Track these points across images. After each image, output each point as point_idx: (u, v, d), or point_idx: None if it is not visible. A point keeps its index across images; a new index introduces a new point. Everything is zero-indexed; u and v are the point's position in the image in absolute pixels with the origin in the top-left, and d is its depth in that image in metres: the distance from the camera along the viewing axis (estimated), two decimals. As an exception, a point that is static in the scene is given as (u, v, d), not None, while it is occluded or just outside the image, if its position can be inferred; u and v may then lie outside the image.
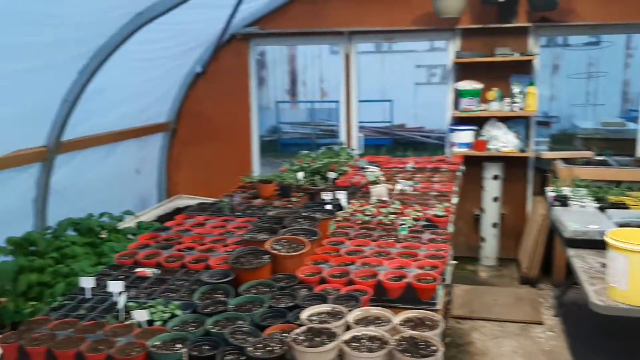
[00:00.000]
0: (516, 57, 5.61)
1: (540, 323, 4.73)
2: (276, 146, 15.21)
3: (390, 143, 14.61)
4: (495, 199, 5.99)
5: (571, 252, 3.73)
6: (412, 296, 2.47)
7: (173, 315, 2.31)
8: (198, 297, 2.43)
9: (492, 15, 5.68)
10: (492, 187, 5.97)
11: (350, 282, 2.53)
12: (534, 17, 5.61)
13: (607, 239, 2.98)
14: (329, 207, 3.39)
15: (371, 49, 16.12)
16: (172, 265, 2.85)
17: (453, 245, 6.29)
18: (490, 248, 6.12)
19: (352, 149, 5.89)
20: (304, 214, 3.18)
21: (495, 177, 5.94)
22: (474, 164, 5.96)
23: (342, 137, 6.39)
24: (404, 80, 15.58)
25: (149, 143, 6.47)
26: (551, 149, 6.18)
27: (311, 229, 2.94)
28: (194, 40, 5.88)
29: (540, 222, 5.45)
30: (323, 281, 2.56)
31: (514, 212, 6.16)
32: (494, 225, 6.06)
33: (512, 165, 6.01)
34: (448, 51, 6.03)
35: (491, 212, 6.03)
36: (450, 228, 3.41)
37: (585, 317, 2.98)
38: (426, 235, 3.08)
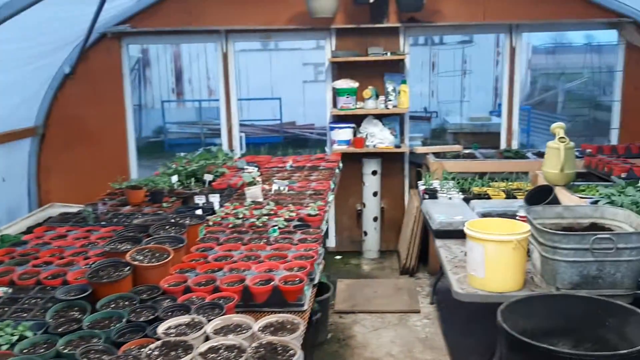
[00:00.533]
0: (388, 56, 5.81)
1: (417, 311, 4.94)
2: (163, 147, 14.75)
3: (281, 141, 14.67)
4: (375, 194, 6.18)
5: (438, 242, 3.92)
6: (278, 299, 2.48)
7: (22, 337, 2.16)
8: (51, 316, 2.28)
9: (365, 16, 5.84)
10: (371, 183, 6.15)
11: (217, 290, 2.49)
12: (403, 17, 5.83)
13: (465, 229, 3.15)
14: (199, 211, 3.32)
15: (258, 46, 16.05)
16: (26, 282, 2.65)
17: (339, 240, 6.49)
18: (372, 241, 6.30)
19: (232, 150, 5.83)
20: (172, 221, 3.09)
21: (374, 173, 6.12)
22: (355, 161, 6.11)
23: (224, 137, 6.30)
24: (291, 78, 15.68)
25: (16, 149, 6.03)
26: (430, 144, 6.48)
27: (178, 237, 2.86)
28: (60, 39, 5.53)
29: (415, 214, 5.69)
30: (188, 290, 2.50)
31: (393, 205, 6.38)
32: (375, 219, 6.24)
33: (390, 161, 6.22)
34: (325, 50, 6.12)
35: (372, 206, 6.21)
36: (324, 226, 3.46)
37: (457, 302, 3.14)
38: (297, 236, 3.10)
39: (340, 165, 5.22)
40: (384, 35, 5.95)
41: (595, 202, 3.66)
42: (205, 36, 6.19)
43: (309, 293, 2.60)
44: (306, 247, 2.91)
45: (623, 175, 4.33)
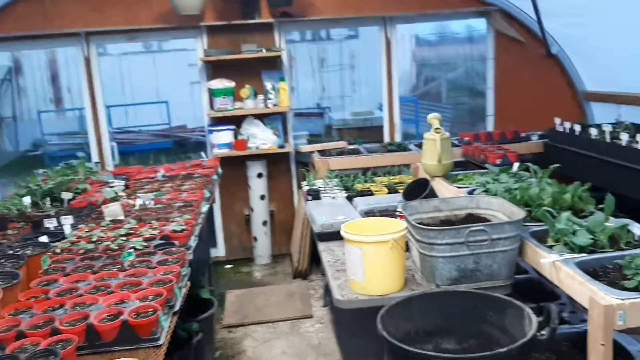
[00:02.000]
0: (263, 53, 5.58)
1: (310, 316, 4.76)
2: (43, 161, 13.70)
3: (171, 146, 14.08)
4: (263, 197, 5.94)
5: (321, 246, 3.74)
6: (129, 335, 2.16)
7: None
8: None
9: (236, 12, 5.57)
10: (257, 186, 5.90)
11: (55, 332, 2.14)
12: (275, 12, 5.62)
13: (342, 232, 2.98)
14: (44, 238, 2.92)
15: (141, 48, 15.32)
16: None
17: (228, 248, 6.19)
18: (263, 246, 6.06)
19: (97, 162, 5.36)
20: (9, 252, 2.68)
21: (260, 175, 5.88)
22: (239, 164, 5.84)
23: (93, 148, 5.81)
24: (178, 80, 15.07)
25: None
26: (323, 141, 6.32)
27: (12, 272, 2.46)
28: None
29: (304, 216, 5.51)
30: (21, 336, 2.12)
31: (283, 207, 6.18)
32: (264, 223, 6.01)
33: (275, 162, 6.01)
34: (197, 49, 5.79)
35: (260, 210, 5.97)
36: (192, 242, 3.17)
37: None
38: (157, 257, 2.79)
39: (220, 171, 4.93)
40: (258, 32, 5.71)
41: (472, 192, 3.63)
42: (64, 40, 5.66)
43: (167, 324, 2.31)
44: (166, 270, 2.61)
45: (498, 161, 4.38)
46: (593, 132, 4.69)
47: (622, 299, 2.16)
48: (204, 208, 3.81)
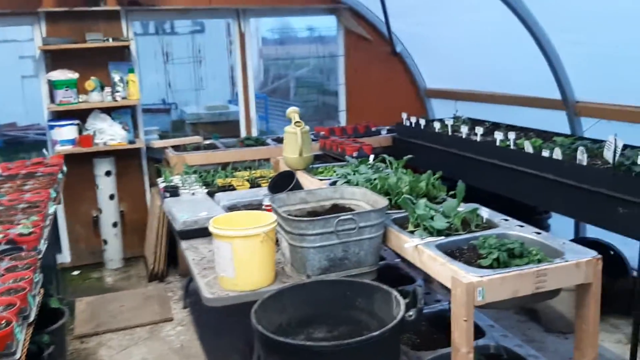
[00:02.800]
0: (110, 43, 5.24)
1: (170, 319, 4.57)
2: None
3: (1, 146, 12.72)
4: (112, 197, 5.58)
5: (184, 244, 3.60)
6: (-23, 353, 1.90)
7: None
8: None
9: (79, -3, 5.17)
10: (106, 185, 5.53)
11: None
12: (123, 0, 5.30)
13: (210, 228, 2.89)
14: None
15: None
16: None
17: (74, 253, 5.72)
18: (113, 249, 5.69)
19: None
20: None
21: (108, 174, 5.52)
22: (84, 162, 5.42)
23: None
24: (7, 74, 13.63)
25: None
26: (171, 137, 6.07)
27: None
28: None
29: (159, 215, 5.27)
30: None
31: (135, 207, 5.86)
32: (115, 224, 5.65)
33: (125, 159, 5.67)
34: (34, 38, 5.27)
35: (109, 211, 5.60)
36: (42, 246, 2.88)
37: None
38: (4, 264, 2.49)
39: (64, 168, 4.53)
40: (104, 20, 5.35)
41: (334, 183, 3.72)
42: None
43: (22, 336, 2.07)
44: (16, 277, 2.34)
45: (355, 154, 4.53)
46: (437, 125, 5.05)
47: (480, 277, 2.34)
48: (51, 209, 3.48)
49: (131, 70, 5.41)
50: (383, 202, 3.04)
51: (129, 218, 5.84)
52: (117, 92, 5.36)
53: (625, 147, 3.59)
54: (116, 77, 5.37)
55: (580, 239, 4.55)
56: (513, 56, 4.88)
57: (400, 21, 5.76)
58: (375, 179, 3.55)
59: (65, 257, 5.69)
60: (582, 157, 3.53)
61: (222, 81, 14.60)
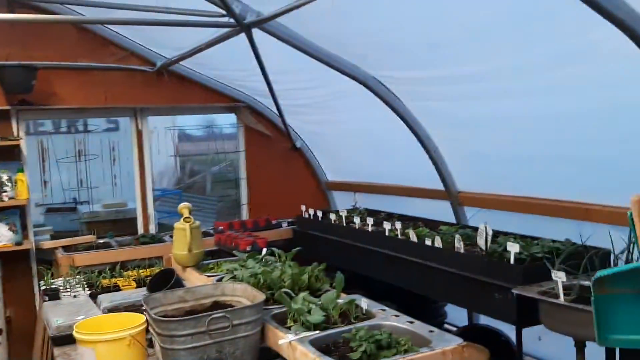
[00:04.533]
0: (-1, 142, 5.09)
1: None
2: None
3: None
4: (-5, 303, 5.20)
5: (57, 351, 3.36)
6: None
7: None
8: None
9: (-34, 97, 5.04)
10: (-12, 290, 5.17)
11: None
12: (13, 99, 5.22)
13: (74, 333, 2.73)
14: None
15: None
16: None
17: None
18: (-6, 361, 5.24)
19: None
20: None
21: (-9, 278, 5.17)
22: (-35, 267, 5.07)
23: None
24: None
25: None
26: (70, 236, 5.82)
27: None
28: None
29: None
30: None
31: (22, 313, 5.45)
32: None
33: (12, 261, 5.35)
34: None
35: (-9, 318, 5.20)
36: None
37: None
38: None
39: None
40: (-8, 119, 5.22)
41: (221, 279, 3.64)
42: None
43: None
44: None
45: (248, 248, 4.48)
46: (332, 217, 5.14)
47: (346, 371, 2.30)
48: None
49: (20, 170, 5.24)
50: (260, 297, 2.99)
51: (16, 325, 5.43)
52: (5, 192, 5.15)
53: (497, 233, 3.77)
54: (4, 176, 5.17)
55: (471, 326, 4.62)
56: (401, 151, 5.11)
57: (295, 118, 5.98)
58: (259, 274, 3.51)
59: None
60: (459, 245, 3.66)
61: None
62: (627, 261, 2.74)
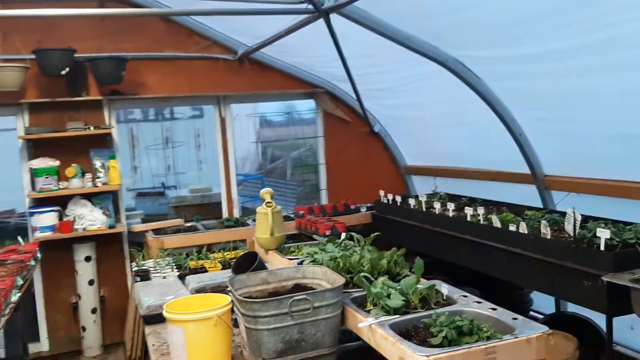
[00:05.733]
0: (91, 131, 5.39)
1: (142, 409, 4.43)
2: None
3: (-6, 232, 12.75)
4: (92, 282, 5.56)
5: (148, 329, 3.55)
6: None
7: None
8: None
9: (62, 89, 5.37)
10: (85, 270, 5.52)
11: None
12: (104, 90, 5.51)
13: (164, 312, 2.87)
14: None
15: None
16: None
17: (53, 342, 5.62)
18: (92, 336, 5.60)
19: None
20: None
21: (88, 259, 5.52)
22: (64, 248, 5.45)
23: None
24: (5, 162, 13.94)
25: None
26: (159, 221, 6.12)
27: None
28: None
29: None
30: None
31: (115, 292, 5.81)
32: (94, 310, 5.59)
33: (106, 243, 5.69)
34: (17, 127, 5.44)
35: (88, 297, 5.56)
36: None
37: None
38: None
39: (39, 255, 4.55)
40: (86, 109, 5.54)
41: (301, 262, 3.71)
42: None
43: None
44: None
45: (327, 232, 4.54)
46: (412, 202, 5.08)
47: (427, 356, 2.28)
48: (14, 297, 3.46)
49: (112, 157, 5.54)
50: (340, 280, 3.02)
51: (109, 303, 5.78)
52: (98, 178, 5.47)
53: (587, 219, 3.60)
54: (97, 163, 5.49)
55: (559, 314, 4.45)
56: (483, 133, 4.97)
57: (374, 103, 5.94)
58: (339, 258, 3.54)
59: (43, 345, 5.60)
60: (545, 230, 3.53)
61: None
62: None
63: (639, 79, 3.27)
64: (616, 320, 3.15)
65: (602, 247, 3.14)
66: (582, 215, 3.59)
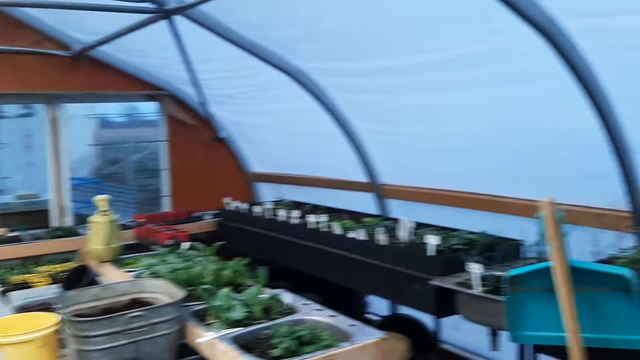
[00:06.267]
0: None
1: None
2: None
3: None
4: None
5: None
6: None
7: None
8: None
9: None
10: None
11: None
12: None
13: (-22, 336, 2.56)
14: None
15: None
16: None
17: None
18: None
19: None
20: None
21: None
22: None
23: None
24: None
25: None
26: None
27: None
28: None
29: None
30: None
31: None
32: None
33: None
34: None
35: None
36: None
37: None
38: None
39: None
40: None
41: (139, 275, 3.53)
42: None
43: None
44: None
45: (169, 242, 4.37)
46: (257, 209, 5.08)
47: (266, 369, 2.28)
48: None
49: None
50: (180, 294, 2.92)
51: None
52: None
53: (419, 225, 3.86)
54: None
55: (392, 316, 4.72)
56: (327, 143, 5.11)
57: (220, 108, 5.86)
58: (181, 269, 3.43)
59: None
60: (381, 237, 3.71)
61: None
62: (538, 254, 2.87)
63: (466, 98, 3.58)
64: (444, 321, 3.40)
65: (431, 253, 3.37)
66: (414, 222, 3.85)
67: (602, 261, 2.81)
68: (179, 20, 4.15)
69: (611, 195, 3.10)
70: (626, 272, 2.02)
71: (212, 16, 4.07)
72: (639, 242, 3.07)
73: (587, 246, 2.92)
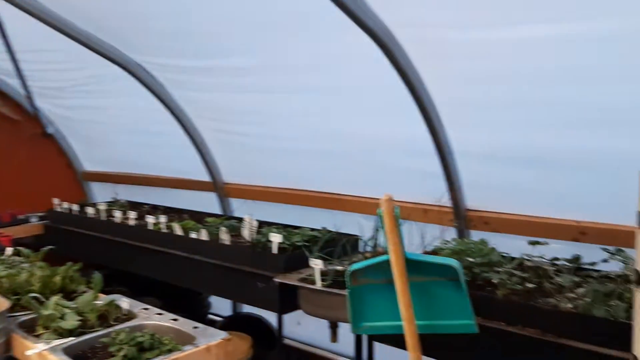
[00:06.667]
0: None
1: None
2: None
3: None
4: None
5: None
6: None
7: None
8: None
9: None
10: None
11: None
12: None
13: None
14: None
15: None
16: None
17: None
18: None
19: None
20: None
21: None
22: None
23: None
24: None
25: None
26: None
27: None
28: None
29: None
30: None
31: None
32: None
33: None
34: None
35: None
36: None
37: None
38: None
39: None
40: None
41: (-49, 287, 3.14)
42: None
43: None
44: None
45: (-10, 248, 3.95)
46: (90, 210, 4.79)
47: (105, 378, 2.16)
48: None
49: None
50: (4, 305, 2.66)
51: None
52: None
53: (262, 224, 3.91)
54: None
55: (235, 315, 4.73)
56: (166, 142, 4.96)
57: (48, 102, 5.42)
58: (4, 277, 3.12)
59: None
60: (224, 236, 3.69)
61: None
62: (374, 248, 3.06)
63: (306, 103, 3.70)
64: (287, 317, 3.47)
65: (274, 251, 3.43)
66: (258, 220, 3.88)
67: (428, 252, 3.06)
68: (2, 4, 3.76)
69: (437, 193, 3.40)
70: (454, 262, 2.22)
71: (40, 3, 3.75)
72: (458, 235, 3.41)
73: (415, 239, 3.17)
